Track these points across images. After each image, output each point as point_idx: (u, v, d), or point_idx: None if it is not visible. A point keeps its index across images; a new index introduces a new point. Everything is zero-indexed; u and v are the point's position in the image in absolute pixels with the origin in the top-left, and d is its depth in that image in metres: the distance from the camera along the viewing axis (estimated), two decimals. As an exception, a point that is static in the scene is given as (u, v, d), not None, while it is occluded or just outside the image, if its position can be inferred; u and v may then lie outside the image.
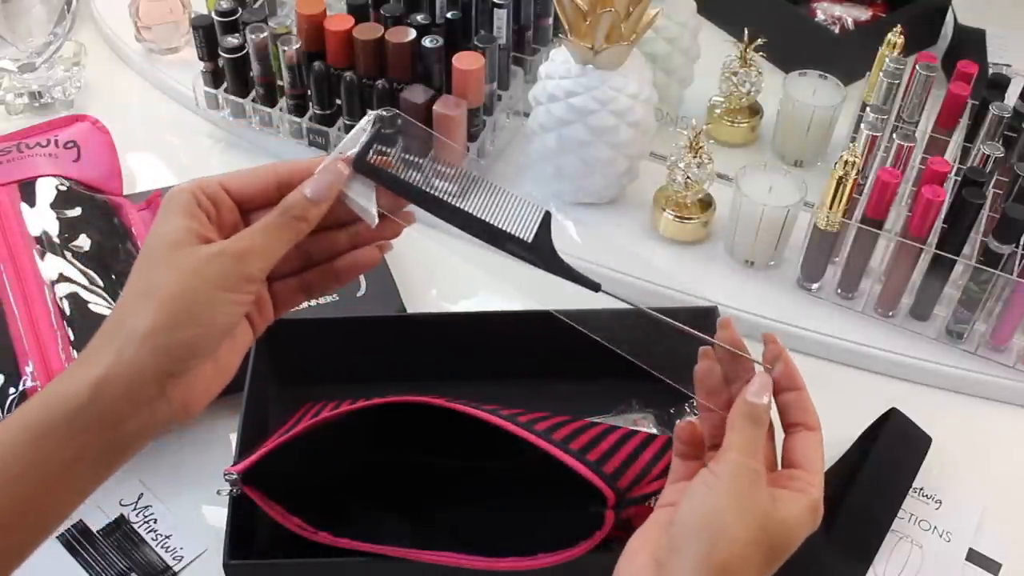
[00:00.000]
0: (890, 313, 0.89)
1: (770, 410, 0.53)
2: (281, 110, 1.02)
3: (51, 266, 0.81)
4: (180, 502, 0.77)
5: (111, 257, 0.83)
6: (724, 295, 0.90)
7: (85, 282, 0.80)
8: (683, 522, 0.49)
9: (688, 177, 0.92)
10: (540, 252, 0.55)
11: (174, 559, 0.74)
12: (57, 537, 0.74)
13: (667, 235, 0.96)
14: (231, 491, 0.67)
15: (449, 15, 1.00)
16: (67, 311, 0.78)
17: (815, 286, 0.92)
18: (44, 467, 0.48)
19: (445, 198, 0.55)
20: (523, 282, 0.95)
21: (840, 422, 0.81)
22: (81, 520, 0.75)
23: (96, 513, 0.76)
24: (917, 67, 0.94)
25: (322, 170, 0.54)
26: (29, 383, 0.74)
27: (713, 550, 0.47)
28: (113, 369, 0.48)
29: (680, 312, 0.85)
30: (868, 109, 0.93)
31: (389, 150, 0.55)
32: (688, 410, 0.81)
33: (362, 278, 0.88)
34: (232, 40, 0.99)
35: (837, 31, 1.16)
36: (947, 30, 1.19)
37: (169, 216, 0.51)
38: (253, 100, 1.03)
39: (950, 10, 1.19)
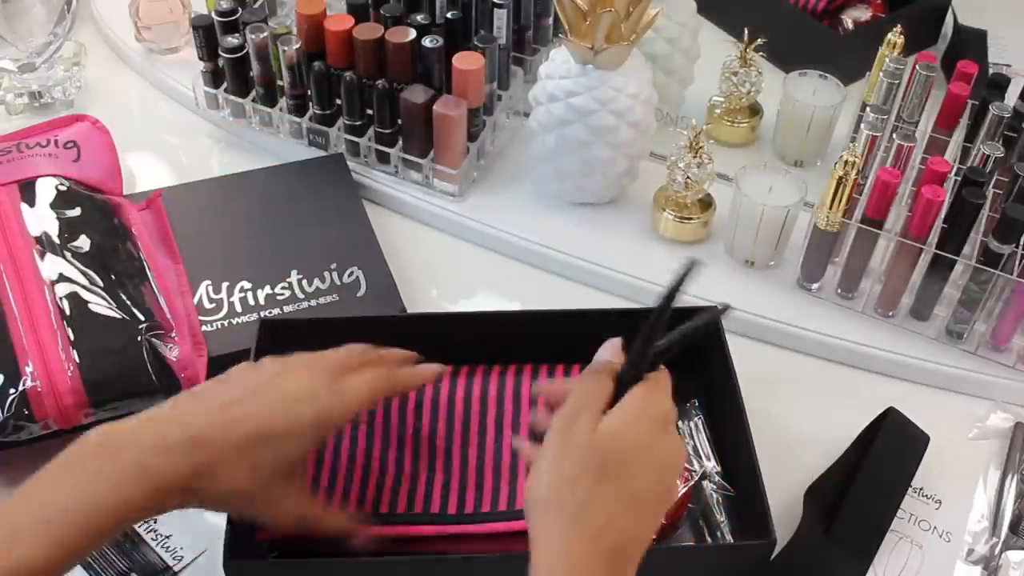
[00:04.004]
0: (890, 313, 0.89)
1: (614, 360, 0.61)
2: (281, 110, 1.02)
3: (51, 266, 0.81)
4: (180, 502, 0.77)
5: (111, 257, 0.83)
6: (724, 295, 0.89)
7: (85, 282, 0.80)
8: (525, 501, 0.57)
9: (688, 177, 0.92)
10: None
11: (174, 559, 0.74)
12: (57, 537, 0.74)
13: (667, 235, 0.96)
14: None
15: (449, 15, 1.00)
16: (67, 311, 0.78)
17: (815, 286, 0.92)
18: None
19: None
20: (523, 282, 0.95)
21: (840, 422, 0.82)
22: (81, 520, 0.75)
23: (96, 513, 0.76)
24: (917, 67, 0.94)
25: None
26: (29, 383, 0.74)
27: (536, 505, 0.55)
28: None
29: (679, 312, 0.85)
30: (868, 109, 0.93)
31: None
32: (689, 408, 0.81)
33: (362, 278, 0.88)
34: (232, 40, 0.99)
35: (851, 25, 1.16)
36: (947, 30, 1.19)
37: None
38: (253, 100, 1.03)
39: (950, 10, 1.19)
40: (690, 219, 0.94)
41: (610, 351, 0.62)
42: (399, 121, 0.97)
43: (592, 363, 0.61)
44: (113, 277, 0.81)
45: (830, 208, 0.86)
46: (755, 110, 1.06)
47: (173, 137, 1.09)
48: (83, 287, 0.80)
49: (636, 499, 0.55)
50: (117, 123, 0.99)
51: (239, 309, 0.85)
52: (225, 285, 0.87)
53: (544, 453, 0.56)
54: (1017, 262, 0.82)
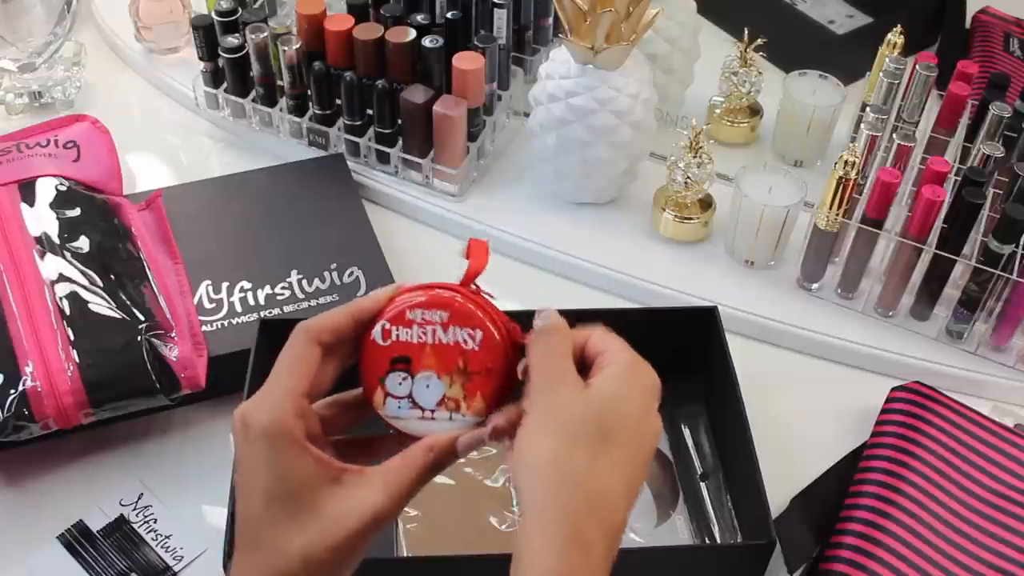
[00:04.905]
0: (890, 313, 0.89)
1: (556, 315, 0.54)
2: (281, 110, 1.02)
3: (51, 266, 0.81)
4: (180, 502, 0.77)
5: (111, 257, 0.83)
6: (724, 295, 0.90)
7: (85, 282, 0.80)
8: (515, 468, 0.50)
9: (688, 177, 0.92)
10: None
11: (174, 559, 0.74)
12: (57, 537, 0.74)
13: (667, 235, 0.96)
14: None
15: (449, 15, 1.00)
16: (67, 311, 0.78)
17: (815, 286, 0.92)
18: None
19: None
20: (523, 282, 0.95)
21: (840, 422, 0.82)
22: (81, 520, 0.75)
23: (96, 513, 0.76)
24: (917, 67, 0.94)
25: (476, 436, 0.53)
26: (29, 383, 0.74)
27: (536, 482, 0.48)
28: None
29: (680, 312, 0.86)
30: (868, 109, 0.93)
31: None
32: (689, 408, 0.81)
33: (362, 278, 0.88)
34: (232, 40, 0.99)
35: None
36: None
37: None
38: (253, 100, 1.03)
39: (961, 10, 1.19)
40: (690, 219, 0.94)
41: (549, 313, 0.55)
42: (399, 121, 0.97)
43: (539, 325, 0.54)
44: (113, 277, 0.81)
45: (830, 208, 0.86)
46: (755, 110, 1.06)
47: (173, 137, 1.09)
48: (83, 287, 0.80)
49: (631, 474, 0.50)
50: (117, 123, 0.99)
51: (239, 309, 0.85)
52: (225, 285, 0.87)
53: (534, 415, 0.50)
54: (1017, 262, 0.82)
